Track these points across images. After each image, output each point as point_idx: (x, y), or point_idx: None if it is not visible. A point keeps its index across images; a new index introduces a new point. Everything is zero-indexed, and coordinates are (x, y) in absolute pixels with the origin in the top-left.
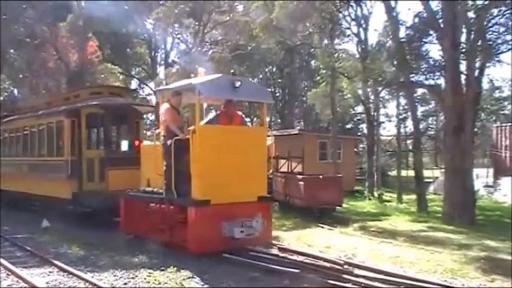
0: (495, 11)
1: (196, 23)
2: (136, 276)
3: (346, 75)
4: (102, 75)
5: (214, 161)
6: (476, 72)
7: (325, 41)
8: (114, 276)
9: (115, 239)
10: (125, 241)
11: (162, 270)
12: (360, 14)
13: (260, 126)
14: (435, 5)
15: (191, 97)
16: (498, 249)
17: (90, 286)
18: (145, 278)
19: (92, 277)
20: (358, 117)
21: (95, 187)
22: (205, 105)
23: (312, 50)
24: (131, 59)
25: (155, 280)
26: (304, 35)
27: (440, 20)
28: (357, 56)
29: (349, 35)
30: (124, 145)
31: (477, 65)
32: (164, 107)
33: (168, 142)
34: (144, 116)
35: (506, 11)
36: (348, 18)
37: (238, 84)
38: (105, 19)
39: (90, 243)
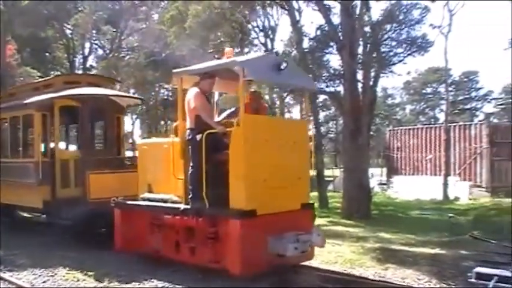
0: (388, 27)
1: (114, 30)
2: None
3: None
4: (21, 78)
5: (260, 160)
6: (372, 81)
7: (236, 50)
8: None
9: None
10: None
11: None
12: (267, 25)
13: (304, 119)
14: (335, 19)
15: (229, 80)
16: (391, 241)
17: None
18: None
19: (11, 276)
20: None
21: (70, 194)
22: (216, 96)
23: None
24: (50, 63)
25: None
26: (216, 43)
27: (340, 33)
28: None
29: (257, 45)
30: (109, 144)
31: (372, 74)
32: (192, 92)
33: (198, 137)
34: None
35: (398, 27)
36: (257, 29)
37: (284, 66)
38: (24, 23)
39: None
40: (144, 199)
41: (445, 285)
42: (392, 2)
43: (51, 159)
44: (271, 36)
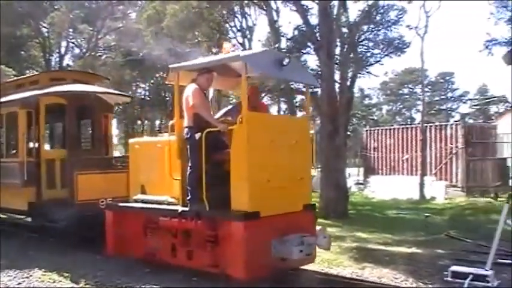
0: (365, 27)
1: (91, 29)
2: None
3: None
4: None
5: (263, 160)
6: (349, 82)
7: (213, 50)
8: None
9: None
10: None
11: None
12: (244, 25)
13: (305, 117)
14: (313, 20)
15: (225, 76)
16: (368, 240)
17: None
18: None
19: None
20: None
21: (57, 195)
22: (211, 92)
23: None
24: (25, 61)
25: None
26: (193, 43)
27: (317, 34)
28: None
29: (235, 45)
30: (96, 143)
31: (349, 75)
32: (191, 88)
33: (197, 135)
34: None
35: (375, 28)
36: (234, 29)
37: (286, 61)
38: None
39: None
40: (137, 201)
41: (421, 284)
42: (370, 2)
43: (37, 159)
44: (248, 36)
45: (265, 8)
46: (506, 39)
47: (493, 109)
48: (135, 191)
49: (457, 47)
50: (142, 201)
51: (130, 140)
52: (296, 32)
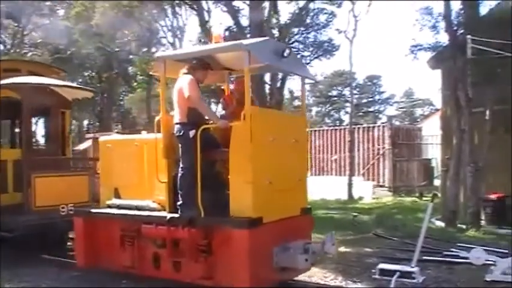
0: (296, 30)
1: (16, 25)
2: None
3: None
4: None
5: (266, 160)
6: (279, 83)
7: (143, 49)
8: None
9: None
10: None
11: None
12: (175, 25)
13: (303, 115)
14: (244, 21)
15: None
16: None
17: None
18: None
19: None
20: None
21: (9, 201)
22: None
23: (131, 56)
24: None
25: None
26: (123, 42)
27: (248, 35)
28: None
29: (165, 44)
30: (52, 143)
31: (279, 76)
32: (186, 79)
33: (191, 133)
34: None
35: (305, 30)
36: (165, 29)
37: (287, 52)
38: None
39: None
40: (111, 206)
41: (350, 282)
42: (300, 5)
43: None
44: (179, 36)
45: (196, 8)
46: (430, 45)
47: (418, 111)
48: (107, 194)
49: (384, 51)
50: (118, 207)
51: (101, 138)
52: (227, 33)
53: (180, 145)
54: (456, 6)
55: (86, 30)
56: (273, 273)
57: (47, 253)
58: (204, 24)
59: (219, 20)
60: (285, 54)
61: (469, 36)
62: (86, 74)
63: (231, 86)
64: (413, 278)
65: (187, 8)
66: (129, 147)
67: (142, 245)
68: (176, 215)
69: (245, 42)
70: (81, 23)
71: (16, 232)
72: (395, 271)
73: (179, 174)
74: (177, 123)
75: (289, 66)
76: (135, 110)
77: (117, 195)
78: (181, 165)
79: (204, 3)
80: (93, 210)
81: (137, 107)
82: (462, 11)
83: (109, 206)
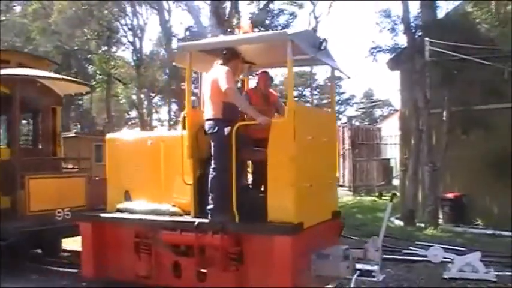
0: (256, 30)
1: None
2: None
3: (121, 81)
4: None
5: (306, 161)
6: (239, 84)
7: (103, 48)
8: None
9: None
10: None
11: None
12: (136, 24)
13: (333, 112)
14: (205, 21)
15: (265, 56)
16: None
17: None
18: None
19: None
20: (133, 122)
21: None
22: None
23: (89, 55)
24: None
25: None
26: (82, 40)
27: (209, 35)
28: (132, 63)
29: (125, 44)
30: (43, 141)
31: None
32: (222, 70)
33: (226, 130)
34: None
35: (265, 31)
36: (125, 28)
37: (324, 44)
38: None
39: None
40: (122, 210)
41: None
42: (261, 5)
43: None
44: (139, 35)
45: (156, 8)
46: (389, 47)
47: (377, 112)
48: (115, 198)
49: (344, 52)
50: (132, 212)
51: (108, 136)
52: (188, 33)
53: (212, 143)
54: (414, 9)
55: (44, 28)
56: (310, 282)
57: (42, 263)
58: (164, 23)
59: (180, 20)
60: (323, 47)
61: (427, 39)
62: None
63: (252, 81)
64: (373, 277)
65: (148, 7)
66: (140, 146)
67: (160, 253)
68: (206, 220)
69: (288, 31)
70: (38, 21)
71: (10, 240)
72: (356, 270)
73: (211, 176)
74: (209, 119)
75: (326, 59)
76: (94, 109)
77: (128, 199)
78: (213, 166)
79: (164, 3)
80: (104, 215)
81: (96, 107)
82: (420, 14)
83: (119, 210)
